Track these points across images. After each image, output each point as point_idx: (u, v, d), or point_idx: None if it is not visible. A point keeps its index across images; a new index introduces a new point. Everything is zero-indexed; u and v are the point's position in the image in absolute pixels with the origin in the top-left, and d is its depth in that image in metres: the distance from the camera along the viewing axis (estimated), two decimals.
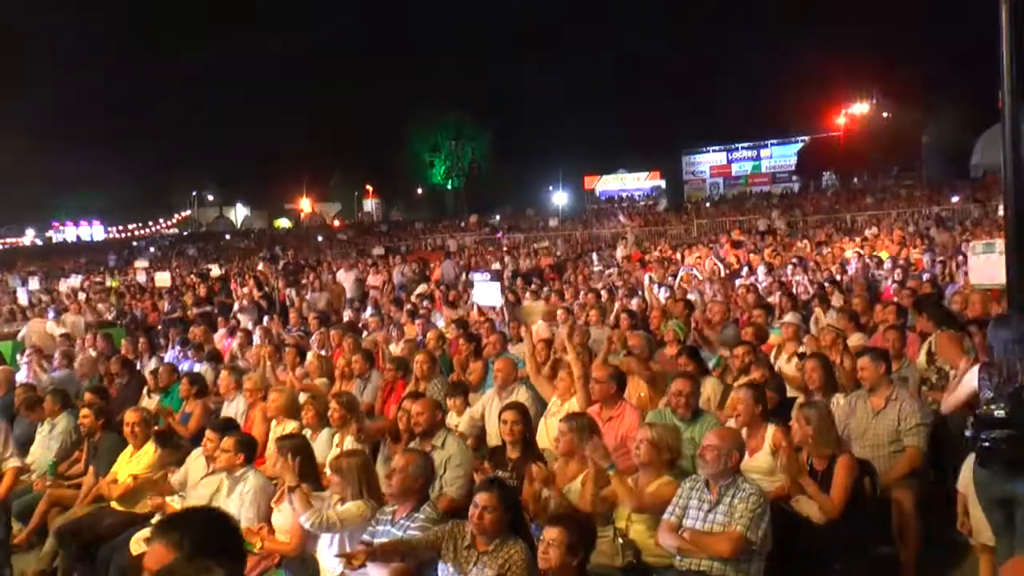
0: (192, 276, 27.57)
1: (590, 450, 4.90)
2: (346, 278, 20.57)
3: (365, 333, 12.37)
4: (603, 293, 13.91)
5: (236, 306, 17.03)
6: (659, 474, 4.97)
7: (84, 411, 7.56)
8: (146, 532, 5.94)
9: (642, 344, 7.89)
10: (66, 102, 77.44)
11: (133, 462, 6.82)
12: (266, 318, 14.72)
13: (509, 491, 4.62)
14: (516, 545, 4.32)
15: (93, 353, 12.26)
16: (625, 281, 16.54)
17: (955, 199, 35.89)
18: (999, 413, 4.55)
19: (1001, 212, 20.51)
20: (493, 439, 6.84)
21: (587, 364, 7.03)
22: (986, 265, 8.24)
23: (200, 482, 6.14)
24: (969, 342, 6.49)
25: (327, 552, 4.96)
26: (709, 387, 7.11)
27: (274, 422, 7.57)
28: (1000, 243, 7.83)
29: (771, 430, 5.66)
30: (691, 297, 11.89)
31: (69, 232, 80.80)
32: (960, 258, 14.34)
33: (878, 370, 6.02)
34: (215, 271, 26.78)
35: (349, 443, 6.38)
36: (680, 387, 6.01)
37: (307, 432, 6.84)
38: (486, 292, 12.27)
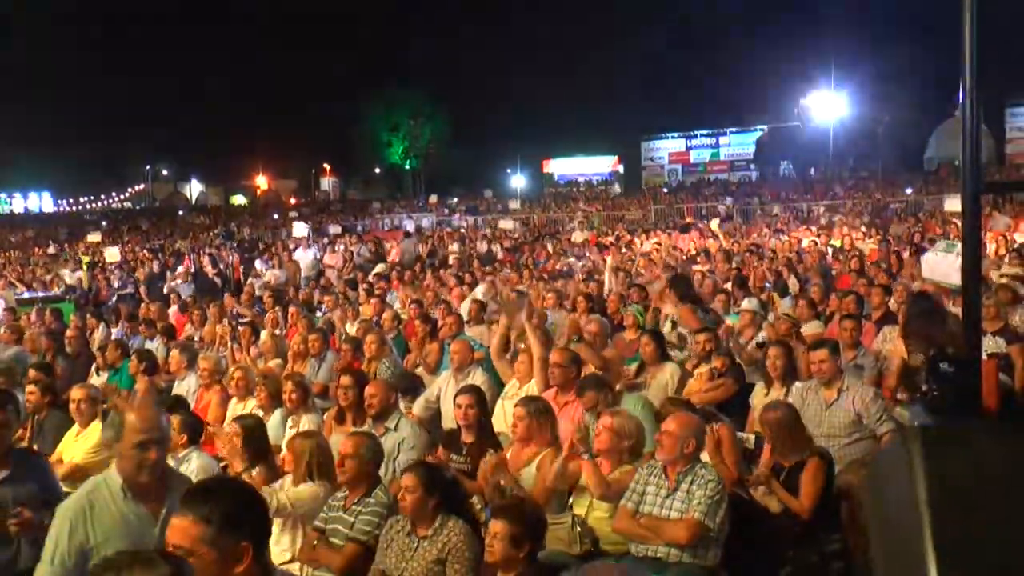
0: (145, 251, 27.14)
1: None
2: (302, 256, 20.38)
3: (320, 312, 12.23)
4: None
5: (175, 281, 16.81)
6: (620, 461, 4.94)
7: (30, 388, 7.36)
8: None
9: (600, 330, 7.84)
10: (16, 71, 75.57)
11: (79, 441, 6.63)
12: (226, 296, 14.52)
13: (434, 472, 4.57)
14: (456, 528, 4.28)
15: (41, 328, 11.99)
16: (583, 265, 16.56)
17: (909, 191, 36.45)
18: (942, 367, 4.94)
19: (947, 206, 20.92)
20: (448, 422, 6.77)
21: (545, 347, 6.98)
22: (942, 263, 8.30)
23: None
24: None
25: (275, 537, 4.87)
26: (667, 372, 7.10)
27: (234, 400, 7.44)
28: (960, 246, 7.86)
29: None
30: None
31: (17, 203, 79.05)
32: (912, 248, 14.55)
33: (835, 363, 6.06)
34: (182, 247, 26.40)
35: (305, 424, 6.29)
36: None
37: (259, 413, 6.73)
38: None
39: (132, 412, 3.57)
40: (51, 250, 33.58)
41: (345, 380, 6.51)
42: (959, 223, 9.83)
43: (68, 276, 20.28)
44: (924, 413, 5.44)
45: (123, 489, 3.45)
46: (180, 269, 17.91)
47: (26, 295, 17.78)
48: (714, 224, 22.84)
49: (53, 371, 9.13)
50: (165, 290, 16.03)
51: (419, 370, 8.50)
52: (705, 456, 5.35)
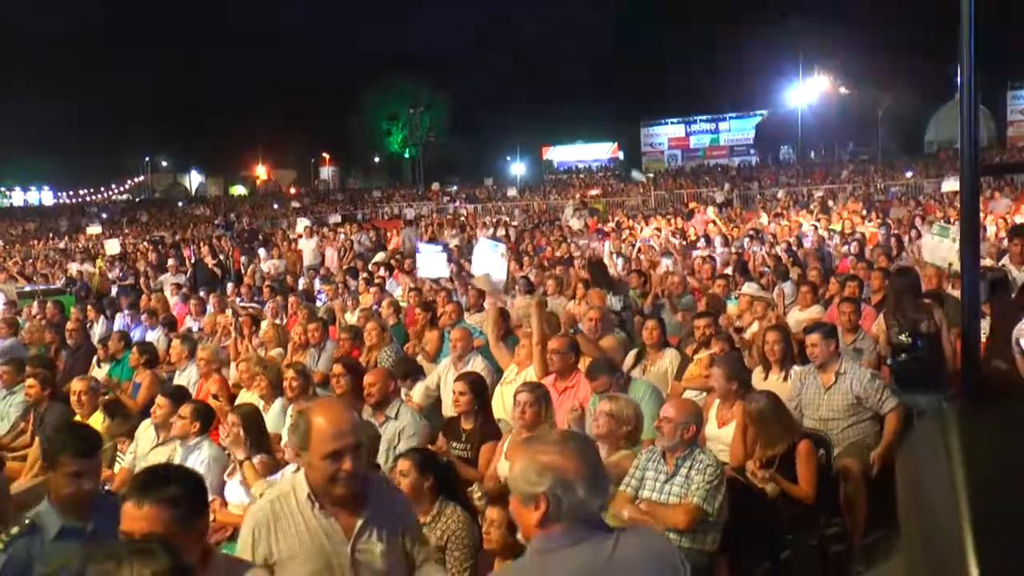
0: (144, 243, 27.14)
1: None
2: (305, 246, 20.38)
3: (320, 301, 12.25)
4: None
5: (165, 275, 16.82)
6: (618, 447, 4.96)
7: (30, 381, 7.39)
8: None
9: (599, 317, 7.80)
10: (14, 65, 75.41)
11: None
12: (230, 286, 14.55)
13: (428, 456, 4.61)
14: (455, 515, 4.30)
15: (43, 321, 12.01)
16: (583, 252, 16.55)
17: (909, 174, 36.40)
18: (904, 339, 6.24)
19: (945, 187, 20.93)
20: (448, 410, 6.78)
21: (546, 333, 6.98)
22: (939, 246, 8.32)
23: (151, 451, 6.01)
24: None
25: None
26: (667, 357, 7.11)
27: (243, 390, 7.46)
28: (954, 230, 7.88)
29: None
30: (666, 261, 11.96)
31: (16, 197, 79.02)
32: (913, 232, 14.52)
33: (828, 347, 6.04)
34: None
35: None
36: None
37: (260, 403, 6.75)
38: (431, 263, 11.71)
39: (321, 414, 2.95)
40: (61, 244, 33.60)
41: (337, 369, 6.53)
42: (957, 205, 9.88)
43: (76, 269, 20.17)
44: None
45: (311, 499, 2.97)
46: (170, 262, 17.83)
47: (27, 288, 17.81)
48: (710, 211, 22.82)
49: (52, 363, 9.16)
50: (152, 285, 16.04)
51: (419, 359, 8.51)
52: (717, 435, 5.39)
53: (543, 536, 2.30)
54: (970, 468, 0.73)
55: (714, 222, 19.20)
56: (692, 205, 27.41)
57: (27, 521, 3.35)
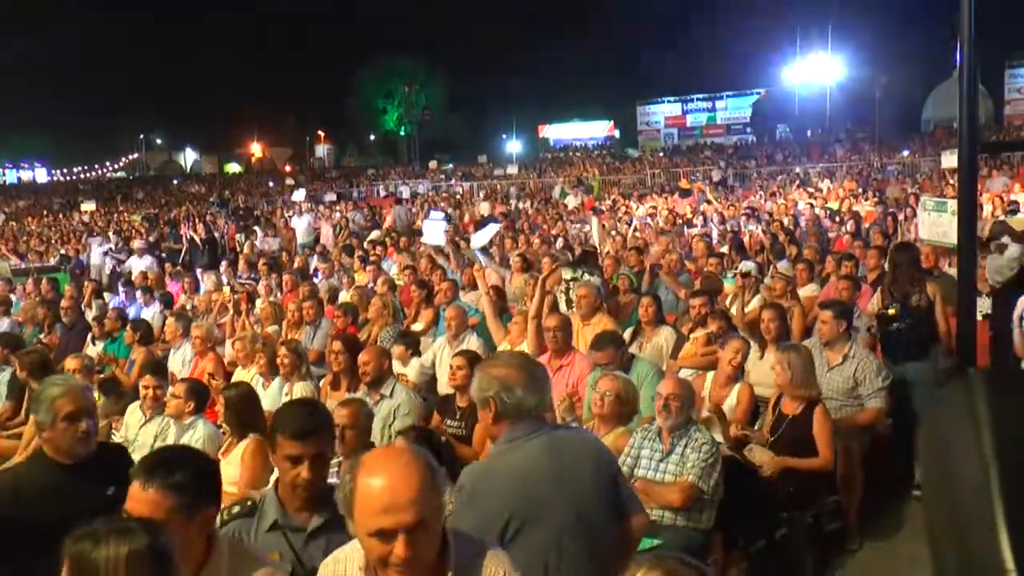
0: (138, 219, 27.04)
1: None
2: (297, 223, 20.32)
3: (316, 279, 12.22)
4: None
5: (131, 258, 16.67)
6: (616, 425, 4.95)
7: (24, 358, 7.34)
8: None
9: (589, 293, 7.66)
10: (9, 42, 74.78)
11: None
12: (223, 263, 14.49)
13: (422, 433, 4.65)
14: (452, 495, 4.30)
15: (37, 298, 11.97)
16: (579, 231, 16.54)
17: (905, 153, 36.32)
18: (892, 311, 6.43)
19: (945, 163, 20.92)
20: (444, 388, 6.77)
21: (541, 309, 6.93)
22: (936, 223, 8.28)
23: (140, 430, 5.96)
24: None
25: None
26: (663, 335, 7.09)
27: (240, 367, 7.44)
28: (952, 203, 7.86)
29: (739, 385, 5.72)
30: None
31: (10, 175, 78.64)
32: (908, 211, 14.51)
33: (839, 326, 6.03)
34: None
35: (299, 391, 6.28)
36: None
37: (259, 380, 6.73)
38: (432, 230, 12.43)
39: (373, 474, 2.17)
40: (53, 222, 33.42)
41: (336, 346, 6.51)
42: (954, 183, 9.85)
43: (96, 246, 19.81)
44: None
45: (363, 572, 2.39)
46: (137, 244, 17.37)
47: (21, 266, 17.75)
48: (706, 191, 22.80)
49: (41, 342, 9.13)
50: (118, 269, 15.90)
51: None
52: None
53: (499, 436, 2.96)
54: (998, 436, 0.70)
55: (709, 201, 19.18)
56: (685, 184, 27.32)
57: (250, 503, 3.24)
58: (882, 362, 6.16)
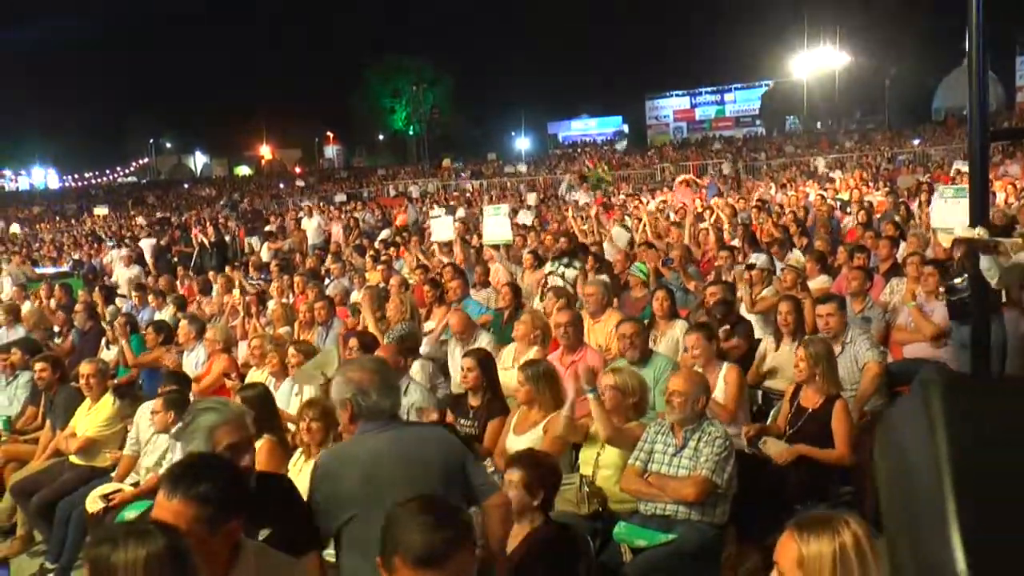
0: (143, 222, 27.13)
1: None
2: (308, 225, 20.36)
3: (327, 280, 12.24)
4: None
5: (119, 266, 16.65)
6: (626, 419, 4.94)
7: (40, 364, 7.39)
8: (103, 489, 5.83)
9: (597, 292, 7.55)
10: (17, 47, 75.18)
11: (92, 415, 6.67)
12: (229, 266, 14.53)
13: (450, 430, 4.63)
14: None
15: (52, 304, 12.02)
16: (591, 227, 16.48)
17: (916, 142, 36.17)
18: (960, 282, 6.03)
19: (956, 166, 20.75)
20: (456, 387, 6.78)
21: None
22: (952, 210, 8.23)
23: (152, 438, 5.96)
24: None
25: None
26: (677, 328, 7.08)
27: (253, 368, 7.46)
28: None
29: (725, 368, 5.69)
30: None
31: (22, 181, 79.04)
32: (924, 196, 14.38)
33: (843, 319, 6.07)
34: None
35: (308, 392, 6.29)
36: (625, 330, 6.00)
37: (271, 381, 6.75)
38: (440, 226, 13.01)
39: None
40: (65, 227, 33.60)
41: (353, 343, 6.53)
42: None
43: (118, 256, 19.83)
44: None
45: None
46: (123, 252, 17.33)
47: (36, 271, 17.84)
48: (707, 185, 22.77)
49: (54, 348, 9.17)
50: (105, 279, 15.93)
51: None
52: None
53: (355, 430, 3.30)
54: (952, 438, 0.71)
55: (720, 194, 19.10)
56: (684, 177, 27.15)
57: None
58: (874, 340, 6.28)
